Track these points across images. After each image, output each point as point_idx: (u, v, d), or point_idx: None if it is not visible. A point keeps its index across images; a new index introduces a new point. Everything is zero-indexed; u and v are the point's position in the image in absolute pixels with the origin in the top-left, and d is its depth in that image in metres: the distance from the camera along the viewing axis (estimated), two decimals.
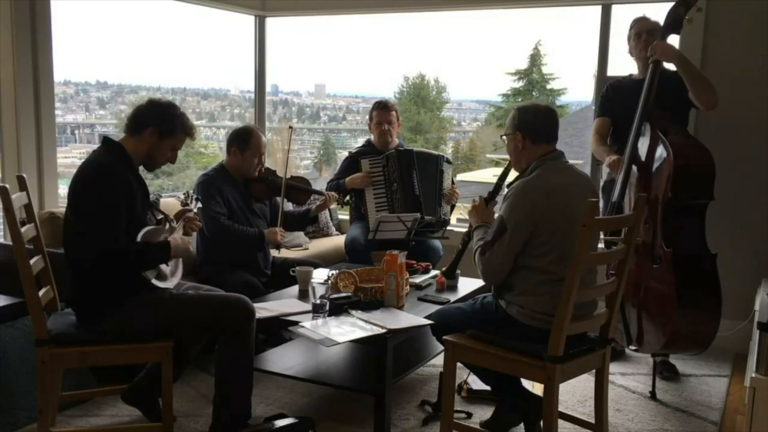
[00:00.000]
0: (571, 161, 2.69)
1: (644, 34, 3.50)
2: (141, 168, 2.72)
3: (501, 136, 2.77)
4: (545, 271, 2.48)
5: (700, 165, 3.21)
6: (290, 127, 3.97)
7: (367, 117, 4.36)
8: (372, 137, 4.31)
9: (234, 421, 2.67)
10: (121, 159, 2.59)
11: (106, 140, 2.66)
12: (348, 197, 4.09)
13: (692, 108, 3.51)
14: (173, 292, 2.67)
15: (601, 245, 3.59)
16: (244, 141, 3.62)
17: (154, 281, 2.57)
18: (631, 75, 3.68)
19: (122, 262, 2.48)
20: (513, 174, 2.85)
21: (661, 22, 3.40)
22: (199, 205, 2.99)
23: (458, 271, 3.49)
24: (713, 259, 3.20)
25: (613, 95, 3.68)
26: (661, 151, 3.21)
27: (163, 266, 2.64)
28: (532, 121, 2.62)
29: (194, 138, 2.74)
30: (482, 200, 2.83)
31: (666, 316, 3.13)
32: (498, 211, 2.64)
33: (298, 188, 3.85)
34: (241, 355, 2.67)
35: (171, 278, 2.69)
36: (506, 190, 2.65)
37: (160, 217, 2.73)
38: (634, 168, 3.35)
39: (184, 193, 2.97)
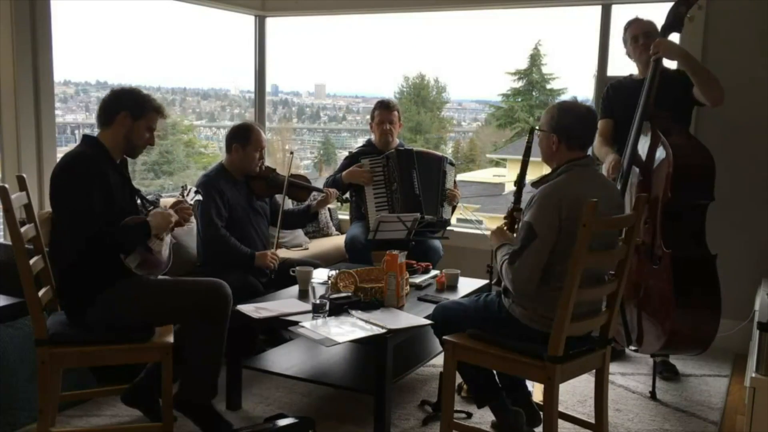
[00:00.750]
0: None
1: (641, 38, 3.49)
2: (135, 164, 2.73)
3: (535, 129, 2.68)
4: (556, 278, 2.44)
5: (701, 165, 3.20)
6: (291, 153, 4.01)
7: (369, 116, 4.37)
8: (373, 137, 4.32)
9: (197, 396, 2.70)
10: (97, 151, 2.63)
11: (84, 137, 2.70)
12: (347, 194, 4.10)
13: (695, 107, 3.50)
14: (152, 279, 2.68)
15: None
16: (244, 137, 3.64)
17: (136, 270, 2.57)
18: (631, 75, 3.66)
19: (100, 244, 2.50)
20: (531, 172, 2.81)
21: (658, 21, 3.40)
22: (198, 197, 2.96)
23: (459, 272, 3.50)
24: (713, 260, 3.19)
25: (613, 95, 3.67)
26: (661, 151, 3.20)
27: (149, 254, 2.63)
28: (571, 125, 2.52)
29: (166, 117, 2.78)
30: (503, 225, 2.74)
31: (665, 317, 3.13)
32: (523, 216, 2.55)
33: (299, 185, 3.85)
34: (213, 340, 2.70)
35: (161, 256, 2.69)
36: (530, 188, 2.58)
37: (151, 208, 2.72)
38: (635, 168, 3.34)
39: (182, 186, 2.97)
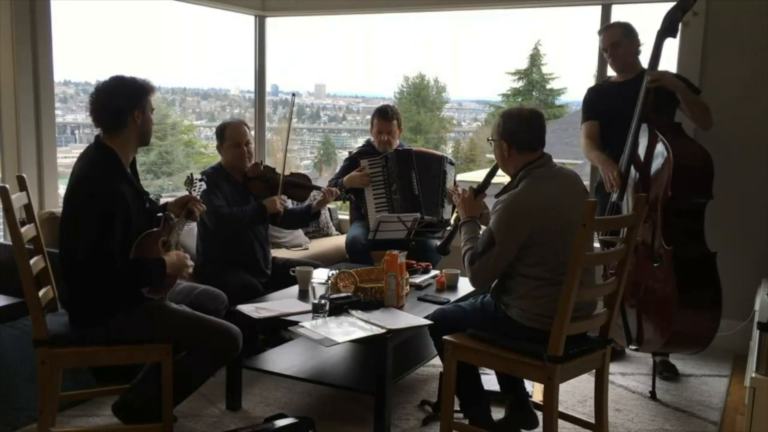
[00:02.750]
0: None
1: (609, 49, 3.57)
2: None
3: (487, 139, 2.75)
4: (540, 278, 2.48)
5: (700, 164, 3.23)
6: (290, 115, 4.02)
7: (369, 122, 4.35)
8: (372, 139, 4.32)
9: (143, 403, 2.66)
10: (114, 167, 2.54)
11: (98, 144, 2.59)
12: (347, 194, 4.10)
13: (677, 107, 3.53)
14: (166, 305, 2.65)
15: (596, 245, 3.60)
16: (219, 135, 3.66)
17: (148, 294, 2.56)
18: (609, 78, 3.74)
19: (118, 280, 2.48)
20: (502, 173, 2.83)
21: (656, 22, 3.40)
22: (203, 186, 2.94)
23: (459, 272, 3.50)
24: (713, 257, 3.20)
25: (596, 98, 3.71)
26: (660, 151, 3.21)
27: None
28: (516, 129, 2.59)
29: (155, 91, 2.69)
30: (472, 191, 2.81)
31: (666, 315, 3.14)
32: (489, 214, 2.63)
33: (298, 184, 3.84)
34: (201, 371, 2.70)
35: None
36: (494, 200, 2.63)
37: (159, 215, 2.69)
38: (633, 169, 3.35)
39: (188, 177, 2.92)
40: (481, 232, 2.66)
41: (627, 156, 3.36)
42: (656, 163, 3.24)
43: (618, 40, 3.53)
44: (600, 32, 3.66)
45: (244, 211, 3.55)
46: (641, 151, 3.33)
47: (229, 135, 3.62)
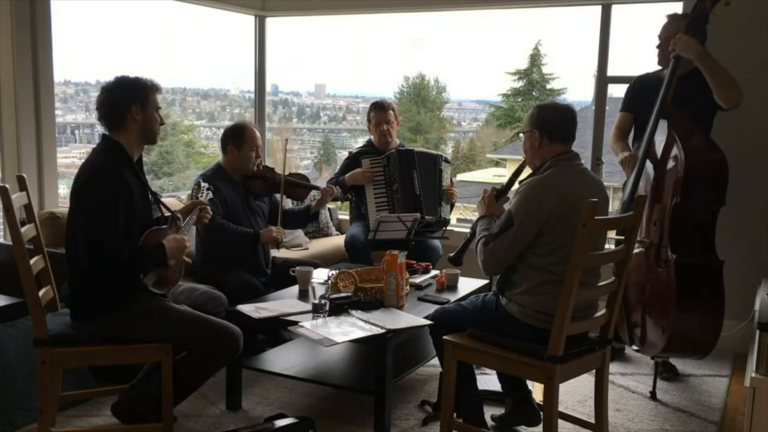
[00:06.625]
0: None
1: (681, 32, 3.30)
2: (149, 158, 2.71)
3: (518, 133, 2.77)
4: (548, 271, 2.48)
5: (712, 169, 3.10)
6: (286, 140, 4.06)
7: (366, 119, 4.38)
8: (372, 138, 4.32)
9: (142, 403, 2.66)
10: (120, 157, 2.58)
11: (105, 138, 2.64)
12: (348, 194, 4.10)
13: (717, 110, 3.35)
14: (168, 304, 2.65)
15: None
16: (239, 137, 3.64)
17: (152, 288, 2.56)
18: (662, 70, 3.46)
19: (117, 263, 2.47)
20: (526, 172, 2.84)
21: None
22: (210, 195, 2.99)
23: (459, 272, 3.50)
24: (719, 266, 3.12)
25: (638, 90, 3.56)
26: (674, 153, 3.13)
27: (165, 271, 2.61)
28: (551, 119, 2.61)
29: (161, 90, 2.71)
30: (493, 191, 2.83)
31: (666, 320, 3.11)
32: (508, 205, 2.64)
33: (297, 184, 3.84)
34: (201, 372, 2.69)
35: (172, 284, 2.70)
36: (517, 185, 2.65)
37: (168, 215, 2.71)
38: (650, 167, 3.26)
39: (195, 184, 2.96)
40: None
41: (642, 151, 3.26)
42: (669, 165, 3.16)
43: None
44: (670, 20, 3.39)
45: (238, 231, 3.54)
46: (659, 148, 3.24)
47: (250, 137, 3.64)
